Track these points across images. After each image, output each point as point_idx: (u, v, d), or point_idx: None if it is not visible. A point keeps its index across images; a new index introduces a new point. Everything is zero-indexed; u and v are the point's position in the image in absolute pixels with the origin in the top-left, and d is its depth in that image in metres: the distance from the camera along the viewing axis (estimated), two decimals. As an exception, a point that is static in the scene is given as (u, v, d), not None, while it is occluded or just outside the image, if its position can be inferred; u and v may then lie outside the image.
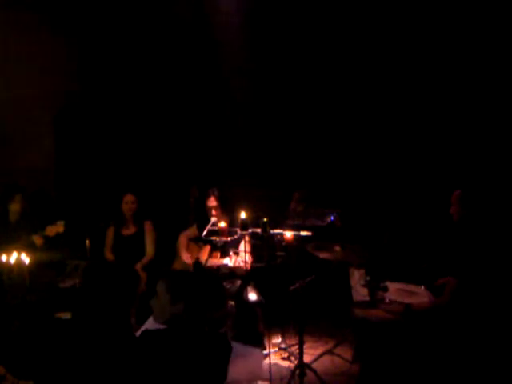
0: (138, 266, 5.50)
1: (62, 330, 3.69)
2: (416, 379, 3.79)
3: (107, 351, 2.75)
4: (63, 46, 6.93)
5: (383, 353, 3.92)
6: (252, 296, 5.09)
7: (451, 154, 6.02)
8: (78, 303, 4.19)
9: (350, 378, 4.56)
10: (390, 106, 6.38)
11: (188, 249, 5.43)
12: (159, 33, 6.84)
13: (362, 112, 6.53)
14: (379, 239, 5.24)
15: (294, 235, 4.67)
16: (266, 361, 4.74)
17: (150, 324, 3.03)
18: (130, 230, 5.73)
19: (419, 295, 4.13)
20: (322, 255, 4.64)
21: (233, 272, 5.22)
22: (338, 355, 4.94)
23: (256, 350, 4.71)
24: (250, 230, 4.64)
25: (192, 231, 5.49)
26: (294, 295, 4.59)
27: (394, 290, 4.21)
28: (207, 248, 5.28)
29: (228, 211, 5.30)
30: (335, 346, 5.06)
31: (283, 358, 5.03)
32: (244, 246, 4.91)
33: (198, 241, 5.32)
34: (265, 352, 5.01)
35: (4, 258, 4.41)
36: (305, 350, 4.48)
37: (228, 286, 5.26)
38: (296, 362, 4.52)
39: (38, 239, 5.21)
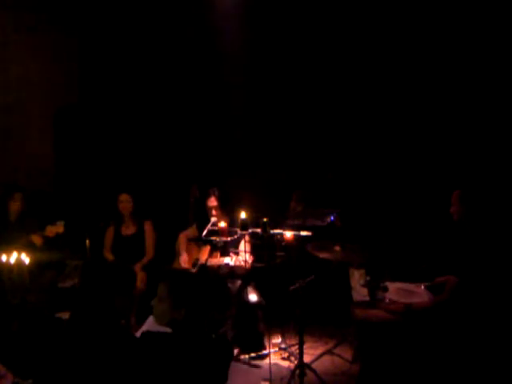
0: (138, 266, 5.50)
1: (62, 329, 3.69)
2: (416, 379, 3.79)
3: (106, 351, 2.75)
4: (63, 46, 6.94)
5: (383, 353, 3.92)
6: (252, 297, 5.10)
7: (451, 154, 6.02)
8: (75, 302, 4.19)
9: (350, 377, 4.55)
10: (389, 106, 6.38)
11: (188, 249, 5.43)
12: (159, 31, 6.84)
13: (362, 112, 6.53)
14: (379, 239, 5.24)
15: (294, 235, 4.67)
16: (266, 361, 4.75)
17: (150, 324, 3.02)
18: (129, 230, 5.73)
19: (419, 295, 4.13)
20: (322, 255, 4.64)
21: (233, 272, 5.22)
22: (338, 355, 4.93)
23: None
24: (250, 230, 4.63)
25: (192, 231, 5.49)
26: (294, 295, 4.58)
27: (394, 290, 4.21)
28: (207, 248, 5.27)
29: (228, 211, 5.30)
30: (335, 346, 5.06)
31: (283, 358, 5.03)
32: (244, 246, 4.90)
33: (198, 241, 5.31)
34: (265, 352, 5.02)
35: (4, 257, 4.40)
36: (305, 350, 4.47)
37: (228, 286, 5.27)
38: (296, 362, 4.51)
39: (37, 239, 5.21)
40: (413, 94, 6.25)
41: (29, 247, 4.95)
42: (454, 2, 5.97)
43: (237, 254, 5.15)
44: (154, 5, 6.79)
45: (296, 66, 6.70)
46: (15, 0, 6.69)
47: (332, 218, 5.25)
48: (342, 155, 6.62)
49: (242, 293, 5.12)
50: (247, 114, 6.86)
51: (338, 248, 4.57)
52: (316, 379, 4.38)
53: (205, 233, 5.08)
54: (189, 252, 5.40)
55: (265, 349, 5.05)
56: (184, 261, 5.29)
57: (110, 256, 5.68)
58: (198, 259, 5.32)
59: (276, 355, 5.03)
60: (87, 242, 5.34)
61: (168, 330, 2.89)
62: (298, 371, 4.37)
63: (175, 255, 5.51)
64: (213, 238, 5.03)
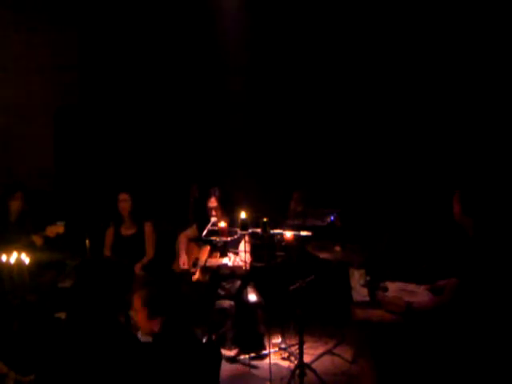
0: (138, 267, 5.50)
1: (62, 329, 3.69)
2: (416, 379, 3.79)
3: (104, 349, 2.75)
4: (63, 46, 6.94)
5: (383, 353, 3.92)
6: (252, 297, 5.10)
7: (451, 154, 6.02)
8: (71, 301, 4.18)
9: (350, 378, 4.56)
10: (389, 106, 6.38)
11: (188, 249, 5.43)
12: (158, 31, 6.84)
13: (362, 112, 6.53)
14: (379, 239, 5.24)
15: (294, 235, 4.67)
16: (266, 361, 4.75)
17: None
18: (129, 230, 5.72)
19: (419, 295, 4.13)
20: (322, 255, 4.65)
21: (233, 272, 5.22)
22: (338, 355, 4.94)
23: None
24: (249, 230, 4.63)
25: (192, 231, 5.49)
26: (294, 295, 4.59)
27: (394, 290, 4.21)
28: (207, 248, 5.27)
29: (228, 211, 5.30)
30: (335, 346, 5.06)
31: (283, 358, 5.03)
32: (244, 246, 4.90)
33: (198, 241, 5.32)
34: (265, 352, 5.02)
35: (4, 257, 4.40)
36: (305, 350, 4.48)
37: (228, 286, 5.27)
38: (296, 362, 4.52)
39: (37, 239, 5.21)
40: (413, 94, 6.25)
41: (29, 247, 4.94)
42: (454, 2, 5.97)
43: (236, 254, 5.15)
44: (154, 4, 6.80)
45: (296, 66, 6.71)
46: (15, 0, 6.70)
47: (332, 217, 5.26)
48: (342, 155, 6.62)
49: (242, 293, 5.12)
50: (247, 114, 6.86)
51: (338, 248, 4.57)
52: (316, 379, 4.39)
53: (205, 233, 5.08)
54: (189, 252, 5.40)
55: (265, 349, 5.05)
56: (183, 263, 5.29)
57: (110, 256, 5.68)
58: (197, 259, 5.32)
59: (276, 355, 5.03)
60: (87, 242, 5.34)
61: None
62: (297, 371, 4.38)
63: (175, 255, 5.51)
64: (213, 238, 5.03)
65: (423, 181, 6.05)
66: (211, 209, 5.28)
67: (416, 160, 6.21)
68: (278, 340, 5.20)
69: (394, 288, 4.23)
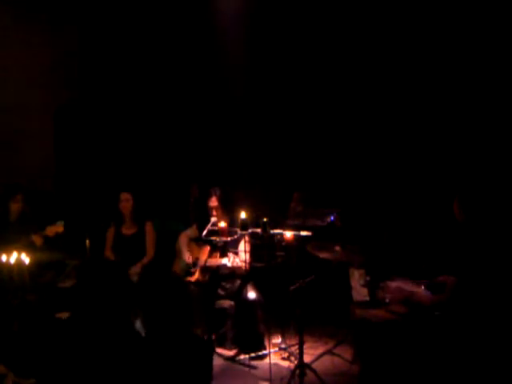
0: (138, 266, 5.50)
1: (62, 329, 3.70)
2: (416, 379, 3.79)
3: (106, 348, 2.75)
4: (63, 46, 6.95)
5: (383, 353, 3.92)
6: (252, 295, 5.10)
7: (451, 154, 6.02)
8: (74, 301, 4.20)
9: (350, 377, 4.55)
10: (389, 106, 6.38)
11: (188, 249, 5.43)
12: (158, 29, 6.84)
13: (362, 112, 6.53)
14: (379, 239, 5.24)
15: (294, 235, 4.67)
16: (266, 361, 4.75)
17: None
18: (130, 230, 5.72)
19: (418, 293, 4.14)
20: (322, 255, 4.65)
21: (233, 272, 5.22)
22: (338, 355, 4.93)
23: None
24: (249, 230, 4.63)
25: (192, 231, 5.49)
26: (294, 295, 4.59)
27: (394, 289, 4.21)
28: (207, 248, 5.28)
29: (228, 211, 5.30)
30: (335, 346, 5.06)
31: (283, 358, 5.03)
32: (244, 246, 4.90)
33: (198, 241, 5.32)
34: (265, 352, 5.02)
35: (4, 257, 4.41)
36: (305, 350, 4.47)
37: (228, 286, 5.27)
38: (296, 362, 4.51)
39: (37, 239, 5.21)
40: (413, 95, 6.25)
41: (29, 247, 4.95)
42: (454, 2, 5.97)
43: (236, 254, 5.15)
44: (153, 3, 6.79)
45: (296, 66, 6.71)
46: (15, 0, 6.70)
47: (332, 217, 5.26)
48: (341, 156, 6.62)
49: (242, 292, 5.12)
50: (248, 114, 6.86)
51: (338, 248, 4.57)
52: (316, 379, 4.38)
53: (205, 233, 5.08)
54: (189, 252, 5.40)
55: (265, 349, 5.05)
56: (188, 257, 5.31)
57: (110, 256, 5.67)
58: (197, 259, 5.32)
59: (276, 355, 5.02)
60: (87, 242, 5.34)
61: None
62: (298, 371, 4.38)
63: (175, 255, 5.51)
64: (213, 238, 5.03)
65: (423, 181, 6.05)
66: (212, 208, 5.28)
67: (415, 160, 6.21)
68: (278, 340, 5.19)
69: (393, 286, 4.24)
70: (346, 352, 4.95)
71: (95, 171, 6.81)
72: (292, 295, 4.65)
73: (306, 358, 4.57)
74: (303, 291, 4.49)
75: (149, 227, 5.72)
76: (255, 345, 5.08)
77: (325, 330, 5.60)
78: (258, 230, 4.59)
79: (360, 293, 4.46)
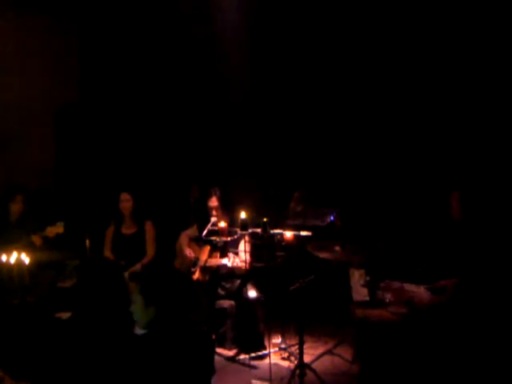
0: (138, 266, 5.50)
1: (62, 329, 3.69)
2: (416, 379, 3.79)
3: (106, 350, 2.75)
4: (63, 46, 6.93)
5: (383, 353, 3.92)
6: (252, 293, 5.10)
7: (451, 154, 6.02)
8: (75, 301, 4.19)
9: (350, 377, 4.56)
10: (389, 106, 6.37)
11: (189, 248, 5.43)
12: (159, 30, 6.83)
13: (362, 112, 6.52)
14: (379, 239, 5.24)
15: (294, 235, 4.67)
16: (266, 361, 4.75)
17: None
18: (130, 230, 5.72)
19: (419, 294, 4.13)
20: (322, 255, 4.65)
21: (233, 272, 5.23)
22: (338, 355, 4.94)
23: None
24: (249, 230, 4.63)
25: (193, 231, 5.50)
26: (294, 295, 4.59)
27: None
28: (207, 248, 5.28)
29: (228, 211, 5.30)
30: (335, 346, 5.06)
31: (283, 358, 5.03)
32: (244, 246, 4.91)
33: (198, 241, 5.32)
34: (265, 352, 5.02)
35: (4, 257, 4.40)
36: (305, 350, 4.48)
37: (228, 286, 5.27)
38: (296, 362, 4.52)
39: (37, 239, 5.21)
40: (412, 94, 6.24)
41: (29, 247, 4.95)
42: (454, 2, 5.97)
43: (236, 254, 5.16)
44: (153, 3, 6.79)
45: (296, 66, 6.69)
46: (15, 0, 6.69)
47: (332, 217, 5.26)
48: (341, 155, 6.61)
49: (242, 292, 5.13)
50: (248, 114, 6.85)
51: (337, 248, 4.57)
52: (316, 379, 4.39)
53: (205, 233, 5.09)
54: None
55: (265, 349, 5.05)
56: (189, 252, 5.31)
57: (110, 256, 5.67)
58: (197, 259, 5.33)
59: (276, 355, 5.03)
60: (87, 242, 5.34)
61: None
62: (298, 371, 4.38)
63: (175, 255, 5.51)
64: (213, 237, 5.04)
65: (423, 181, 6.05)
66: (212, 208, 5.29)
67: (415, 160, 6.20)
68: (277, 340, 5.19)
69: (394, 287, 4.24)
70: (346, 352, 4.96)
71: (95, 171, 6.81)
72: (292, 295, 4.65)
73: (306, 358, 4.57)
74: (303, 291, 4.49)
75: (149, 227, 5.73)
76: (255, 345, 5.08)
77: (325, 330, 5.60)
78: (258, 230, 4.59)
79: (360, 293, 4.46)
